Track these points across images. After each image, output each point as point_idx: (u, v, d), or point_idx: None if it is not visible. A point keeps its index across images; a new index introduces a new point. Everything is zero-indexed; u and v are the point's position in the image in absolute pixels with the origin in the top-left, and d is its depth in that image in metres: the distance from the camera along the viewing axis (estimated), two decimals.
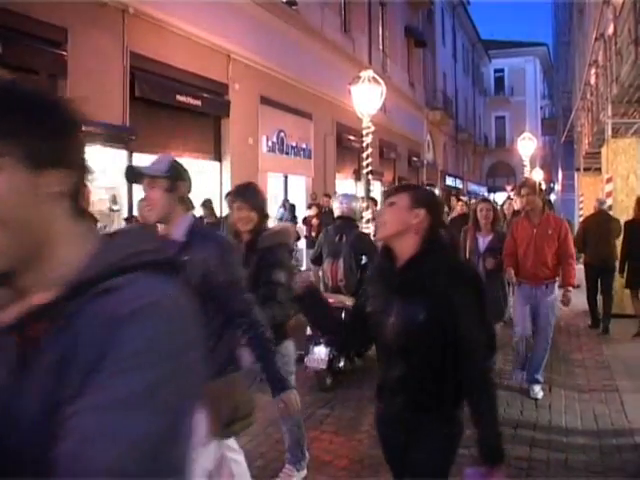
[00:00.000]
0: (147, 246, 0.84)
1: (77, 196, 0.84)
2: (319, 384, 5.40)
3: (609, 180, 9.28)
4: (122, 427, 0.67)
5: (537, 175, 27.55)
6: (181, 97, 9.98)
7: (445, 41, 32.37)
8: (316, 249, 5.80)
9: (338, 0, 17.58)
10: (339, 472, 3.84)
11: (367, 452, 4.01)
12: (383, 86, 10.56)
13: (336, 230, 5.61)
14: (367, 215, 9.61)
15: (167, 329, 0.74)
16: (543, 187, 19.68)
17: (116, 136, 8.37)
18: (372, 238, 5.81)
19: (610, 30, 11.80)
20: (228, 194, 5.68)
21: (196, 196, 9.03)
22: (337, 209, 5.78)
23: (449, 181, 32.11)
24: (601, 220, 8.20)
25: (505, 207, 9.00)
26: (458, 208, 9.35)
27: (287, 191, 14.87)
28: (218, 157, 11.66)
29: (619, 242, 7.94)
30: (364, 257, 5.48)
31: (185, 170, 2.57)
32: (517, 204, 8.46)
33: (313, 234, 11.59)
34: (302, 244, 12.52)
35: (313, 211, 12.27)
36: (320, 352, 5.25)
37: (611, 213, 8.65)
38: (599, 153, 11.62)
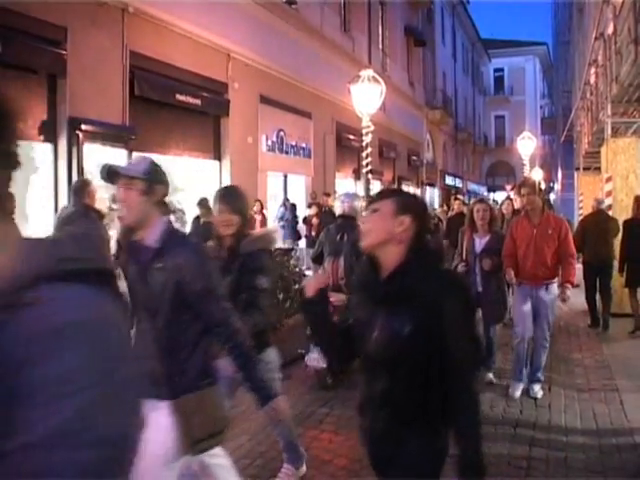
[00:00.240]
0: (77, 253, 0.74)
1: (3, 197, 0.75)
2: (319, 383, 5.41)
3: (609, 179, 9.29)
4: (61, 464, 0.62)
5: (537, 174, 27.61)
6: (181, 96, 9.98)
7: (445, 40, 32.38)
8: (317, 248, 5.80)
9: None
10: (339, 471, 3.85)
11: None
12: (383, 85, 10.58)
13: (337, 229, 5.60)
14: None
15: (92, 349, 0.67)
16: (543, 186, 19.66)
17: (116, 135, 8.38)
18: None
19: (610, 29, 11.80)
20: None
21: (196, 196, 9.14)
22: (339, 208, 5.77)
23: (449, 180, 32.16)
24: (599, 219, 8.21)
25: (504, 207, 8.97)
26: (456, 206, 9.36)
27: (287, 190, 14.86)
28: (218, 156, 11.66)
29: (617, 241, 7.96)
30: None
31: (164, 173, 2.46)
32: (517, 203, 8.45)
33: (313, 233, 11.59)
34: (302, 243, 12.53)
35: (313, 210, 12.27)
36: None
37: (610, 213, 8.66)
38: (599, 152, 11.62)
